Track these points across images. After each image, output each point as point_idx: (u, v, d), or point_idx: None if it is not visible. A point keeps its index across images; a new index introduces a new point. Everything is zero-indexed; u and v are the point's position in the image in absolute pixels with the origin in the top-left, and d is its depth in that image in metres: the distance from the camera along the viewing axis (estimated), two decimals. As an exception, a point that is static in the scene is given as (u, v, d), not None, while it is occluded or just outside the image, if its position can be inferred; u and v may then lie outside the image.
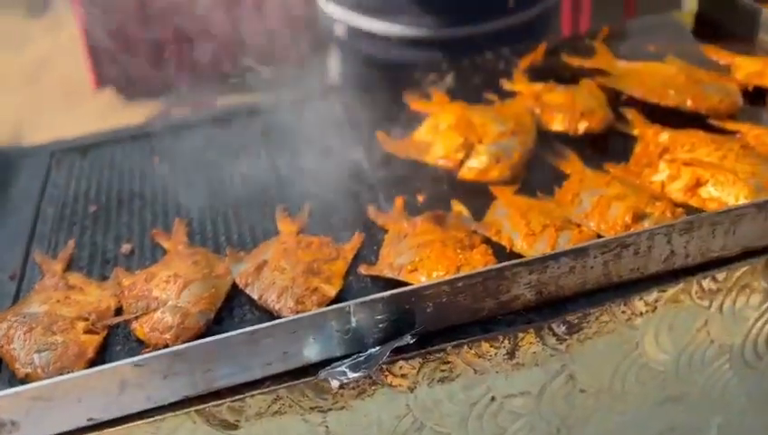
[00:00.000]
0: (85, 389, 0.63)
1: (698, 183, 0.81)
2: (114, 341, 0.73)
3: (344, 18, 1.27)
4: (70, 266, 0.85)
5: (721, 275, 0.77)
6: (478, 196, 0.89)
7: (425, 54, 1.22)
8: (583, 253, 0.71)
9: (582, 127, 0.93)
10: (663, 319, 0.77)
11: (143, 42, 3.48)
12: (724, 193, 0.79)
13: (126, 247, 0.86)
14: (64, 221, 0.93)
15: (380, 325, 0.69)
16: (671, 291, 0.76)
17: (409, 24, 1.23)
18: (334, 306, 0.67)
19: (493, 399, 0.75)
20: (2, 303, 0.80)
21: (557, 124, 0.96)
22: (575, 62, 1.14)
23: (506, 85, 1.09)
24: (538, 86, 1.04)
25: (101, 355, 0.71)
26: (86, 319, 0.73)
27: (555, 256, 0.70)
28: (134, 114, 3.46)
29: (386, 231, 0.85)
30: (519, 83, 1.08)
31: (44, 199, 0.98)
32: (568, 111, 0.95)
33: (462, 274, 0.69)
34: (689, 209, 0.80)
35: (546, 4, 1.32)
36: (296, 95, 1.15)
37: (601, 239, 0.72)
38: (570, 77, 1.09)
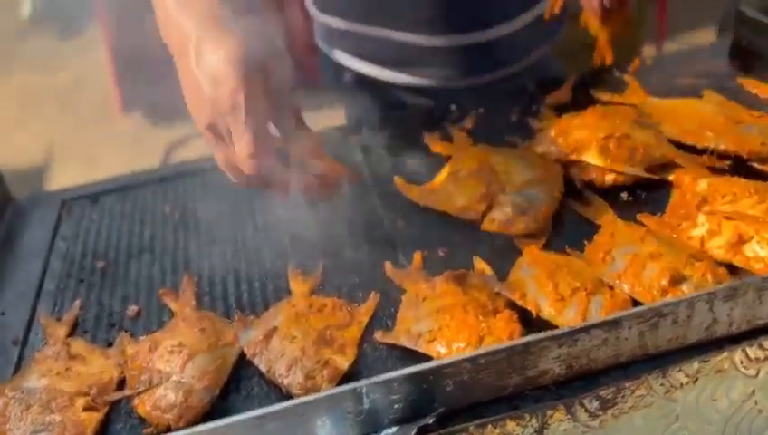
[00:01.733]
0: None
1: (741, 239, 0.75)
2: (115, 417, 0.69)
3: (353, 66, 1.23)
4: (75, 329, 0.81)
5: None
6: (503, 248, 0.83)
7: (436, 100, 1.17)
8: (617, 324, 0.65)
9: (610, 179, 0.88)
10: (705, 390, 0.71)
11: (169, 67, 3.51)
12: (770, 252, 0.73)
13: (132, 309, 0.82)
14: (71, 278, 0.90)
15: (397, 405, 0.64)
16: (714, 361, 0.70)
17: (416, 75, 1.19)
18: (347, 387, 0.62)
19: (519, 479, 0.69)
20: (4, 369, 0.77)
21: (583, 173, 0.90)
22: (605, 97, 1.09)
23: (534, 124, 1.03)
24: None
25: (102, 434, 0.67)
26: (86, 394, 0.69)
27: (586, 329, 0.65)
28: (160, 138, 3.47)
29: (403, 290, 0.80)
30: (547, 122, 1.02)
31: (53, 253, 0.95)
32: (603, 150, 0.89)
33: (485, 349, 0.64)
34: (732, 268, 0.74)
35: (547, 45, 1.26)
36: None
37: (636, 309, 0.66)
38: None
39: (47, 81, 4.41)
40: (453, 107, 1.12)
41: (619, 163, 0.88)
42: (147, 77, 3.62)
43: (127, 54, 3.54)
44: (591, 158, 0.89)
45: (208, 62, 0.65)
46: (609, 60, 1.13)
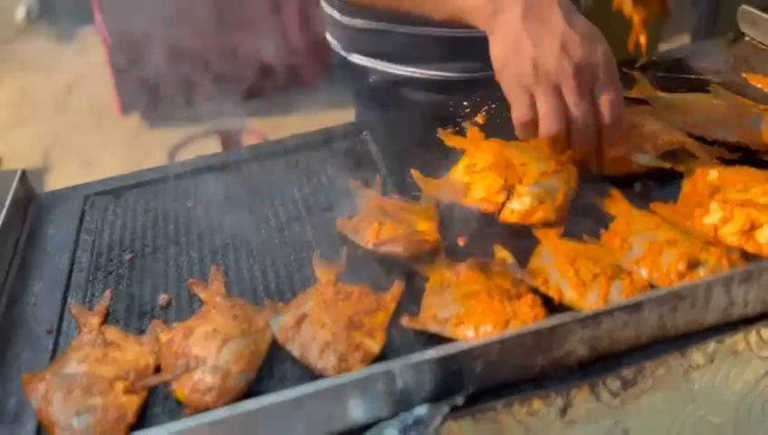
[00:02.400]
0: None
1: (753, 226, 0.78)
2: (153, 401, 0.72)
3: (368, 64, 1.26)
4: (106, 319, 0.83)
5: (781, 324, 0.73)
6: (521, 238, 0.86)
7: (450, 95, 1.20)
8: (638, 307, 0.68)
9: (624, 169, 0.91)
10: (720, 370, 0.74)
11: (167, 68, 3.52)
12: (781, 237, 0.76)
13: (163, 298, 0.84)
14: (100, 270, 0.92)
15: (428, 385, 0.66)
16: (729, 342, 0.73)
17: (436, 69, 1.23)
18: (380, 368, 0.65)
19: (544, 457, 0.72)
20: (40, 358, 0.79)
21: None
22: (614, 92, 1.11)
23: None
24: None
25: (141, 417, 0.70)
26: (125, 379, 0.71)
27: (609, 312, 0.68)
28: (159, 140, 3.49)
29: (426, 278, 0.82)
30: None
31: (79, 247, 0.97)
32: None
33: (513, 331, 0.67)
34: (745, 254, 0.77)
35: None
36: (324, 134, 1.14)
37: (656, 292, 0.69)
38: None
39: (44, 83, 4.42)
40: (465, 103, 1.15)
41: (632, 151, 0.91)
42: (145, 79, 3.64)
43: (125, 56, 3.57)
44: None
45: (578, 21, 0.79)
46: (644, 43, 1.09)
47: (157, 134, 3.70)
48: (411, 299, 0.80)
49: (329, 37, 1.35)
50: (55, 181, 3.41)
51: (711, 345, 0.72)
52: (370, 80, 1.27)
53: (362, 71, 1.27)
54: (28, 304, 0.88)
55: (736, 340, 0.73)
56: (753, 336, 0.73)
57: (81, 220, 1.03)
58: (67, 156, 3.71)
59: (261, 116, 3.37)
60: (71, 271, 0.93)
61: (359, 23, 1.24)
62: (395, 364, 0.65)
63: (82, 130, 3.91)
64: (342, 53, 1.30)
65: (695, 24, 3.22)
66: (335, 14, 1.28)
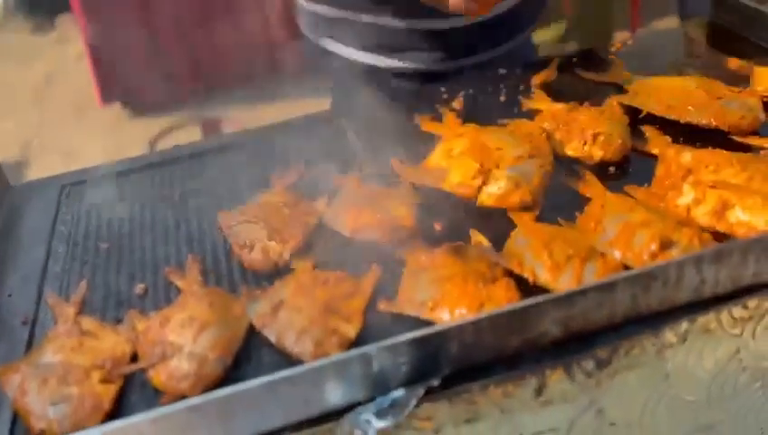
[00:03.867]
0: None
1: (725, 206, 0.79)
2: (130, 389, 0.72)
3: (341, 52, 1.25)
4: (83, 309, 0.83)
5: (752, 303, 0.74)
6: (497, 222, 0.86)
7: (424, 84, 1.20)
8: (611, 287, 0.69)
9: (598, 156, 0.91)
10: (693, 349, 0.75)
11: (148, 58, 3.49)
12: (752, 217, 0.77)
13: (140, 287, 0.84)
14: (76, 261, 0.91)
15: (404, 368, 0.67)
16: (701, 321, 0.74)
17: (404, 60, 1.23)
18: (356, 352, 0.65)
19: (520, 437, 0.73)
20: (15, 349, 0.79)
21: (571, 150, 0.93)
22: (590, 76, 1.12)
23: (526, 103, 1.07)
24: (559, 105, 1.02)
25: (118, 405, 0.70)
26: (101, 367, 0.71)
27: (583, 292, 0.68)
28: (140, 129, 3.46)
29: (404, 263, 0.83)
30: (540, 102, 1.06)
31: (55, 237, 0.96)
32: (583, 138, 0.93)
33: (487, 312, 0.67)
34: (717, 235, 0.78)
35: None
36: (301, 122, 1.14)
37: (629, 272, 0.70)
38: (584, 93, 1.06)
39: (22, 74, 4.36)
40: (442, 89, 1.15)
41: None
42: (125, 68, 3.61)
43: (104, 46, 3.53)
44: (572, 151, 0.95)
45: None
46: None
47: (138, 124, 3.67)
48: (388, 284, 0.81)
49: (300, 20, 1.33)
50: (36, 173, 3.37)
51: (684, 325, 0.73)
52: (341, 66, 1.26)
53: (333, 57, 1.27)
54: (3, 295, 0.87)
55: (708, 319, 0.74)
56: (724, 315, 0.74)
57: (57, 211, 1.02)
58: (47, 147, 3.67)
59: (243, 105, 3.35)
60: (46, 262, 0.92)
61: (321, 9, 1.23)
62: (371, 348, 0.65)
63: (63, 121, 3.87)
64: (312, 38, 1.29)
65: (674, 7, 3.24)
66: None
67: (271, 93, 3.41)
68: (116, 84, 3.70)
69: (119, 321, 0.80)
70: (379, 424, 0.63)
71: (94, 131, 3.69)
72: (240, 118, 3.05)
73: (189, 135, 2.78)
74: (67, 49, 4.46)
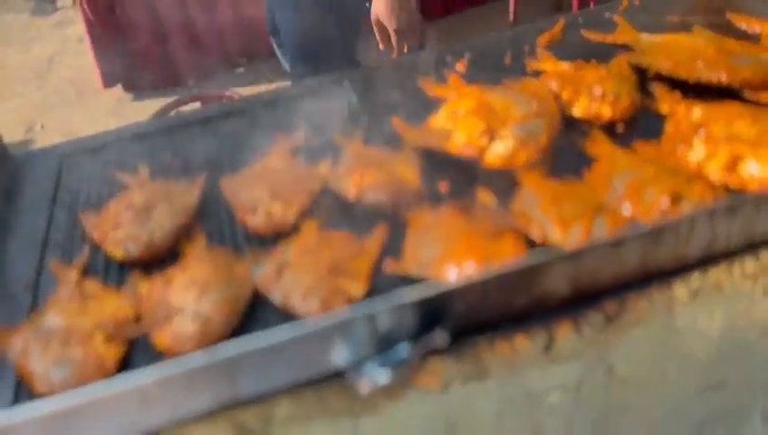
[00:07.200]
0: (106, 403, 0.61)
1: (737, 161, 0.77)
2: (135, 352, 0.71)
3: None
4: (85, 274, 0.82)
5: (765, 257, 0.73)
6: (503, 182, 0.85)
7: None
8: (620, 243, 0.67)
9: (606, 115, 0.89)
10: (703, 304, 0.74)
11: (149, 38, 3.46)
12: (765, 170, 0.75)
13: (142, 251, 0.83)
14: (77, 228, 0.90)
15: (410, 325, 0.66)
16: (712, 276, 0.72)
17: None
18: (362, 309, 0.64)
19: (529, 395, 0.72)
20: (18, 315, 0.78)
21: (578, 110, 0.92)
22: (596, 37, 1.10)
23: (532, 65, 1.05)
24: (565, 65, 1.00)
25: (122, 368, 0.69)
26: (105, 329, 0.71)
27: (591, 248, 0.67)
28: (142, 111, 3.44)
29: (409, 224, 0.81)
30: (545, 62, 1.04)
31: (57, 205, 0.95)
32: (591, 97, 0.91)
33: (494, 270, 0.66)
34: (729, 189, 0.76)
35: None
36: (305, 87, 1.12)
37: (639, 227, 0.68)
38: (590, 53, 1.04)
39: (23, 57, 4.34)
40: (445, 51, 1.13)
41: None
42: (126, 50, 3.58)
43: (105, 28, 3.50)
44: (580, 111, 0.93)
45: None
46: None
47: (140, 105, 3.65)
48: (395, 246, 0.79)
49: None
50: (38, 154, 3.37)
51: (694, 280, 0.72)
52: None
53: None
54: (5, 262, 0.86)
55: (719, 274, 0.73)
56: (736, 270, 0.73)
57: (59, 179, 1.01)
58: (50, 129, 3.65)
59: (245, 85, 3.33)
60: (48, 229, 0.91)
61: None
62: (377, 305, 0.64)
63: (65, 103, 3.85)
64: None
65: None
66: None
67: (272, 73, 3.39)
68: (117, 66, 3.68)
69: (122, 284, 0.80)
70: (385, 380, 0.62)
71: (96, 114, 3.68)
72: (242, 95, 3.04)
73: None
74: (68, 31, 4.43)
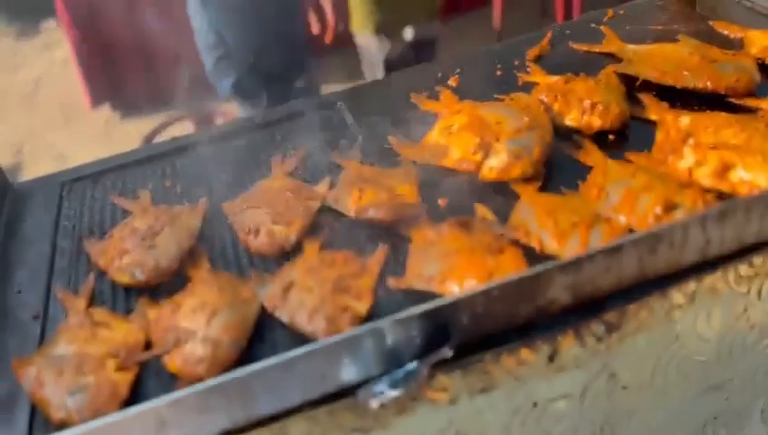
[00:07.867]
0: (122, 432, 0.62)
1: (726, 167, 0.79)
2: (146, 376, 0.72)
3: None
4: (93, 301, 0.83)
5: (758, 260, 0.75)
6: (500, 196, 0.87)
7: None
8: (618, 251, 0.69)
9: (597, 125, 0.92)
10: (701, 309, 0.76)
11: (135, 59, 3.46)
12: (754, 175, 0.77)
13: (148, 277, 0.84)
14: (82, 254, 0.91)
15: (416, 340, 0.67)
16: (708, 280, 0.74)
17: None
18: (369, 326, 0.66)
19: (535, 404, 0.73)
20: (28, 344, 0.79)
21: (569, 121, 0.94)
22: (583, 48, 1.13)
23: (523, 78, 1.07)
24: (555, 77, 1.02)
25: (135, 392, 0.70)
26: (116, 356, 0.72)
27: (590, 257, 0.69)
28: (132, 130, 3.45)
29: (410, 240, 0.83)
30: (536, 75, 1.06)
31: (59, 233, 0.96)
32: (581, 108, 0.93)
33: (496, 282, 0.68)
34: (720, 195, 0.79)
35: None
36: (299, 106, 1.14)
37: (635, 235, 0.70)
38: (579, 65, 1.07)
39: (9, 80, 4.33)
40: (437, 68, 1.15)
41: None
42: (113, 68, 3.58)
43: (91, 48, 3.51)
44: (571, 122, 0.95)
45: None
46: None
47: (129, 125, 3.65)
48: (396, 262, 0.81)
49: None
50: (29, 178, 3.36)
51: (691, 285, 0.74)
52: None
53: None
54: (12, 292, 0.87)
55: (715, 278, 0.75)
56: (731, 274, 0.75)
57: (60, 207, 1.02)
58: (39, 152, 3.65)
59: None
60: (53, 257, 0.92)
61: None
62: (383, 322, 0.66)
63: (53, 125, 3.85)
64: None
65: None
66: None
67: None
68: (104, 87, 3.68)
69: (130, 311, 0.81)
70: (392, 393, 0.64)
71: (85, 134, 3.68)
72: (232, 111, 3.05)
73: (183, 130, 2.77)
74: (53, 54, 4.43)
